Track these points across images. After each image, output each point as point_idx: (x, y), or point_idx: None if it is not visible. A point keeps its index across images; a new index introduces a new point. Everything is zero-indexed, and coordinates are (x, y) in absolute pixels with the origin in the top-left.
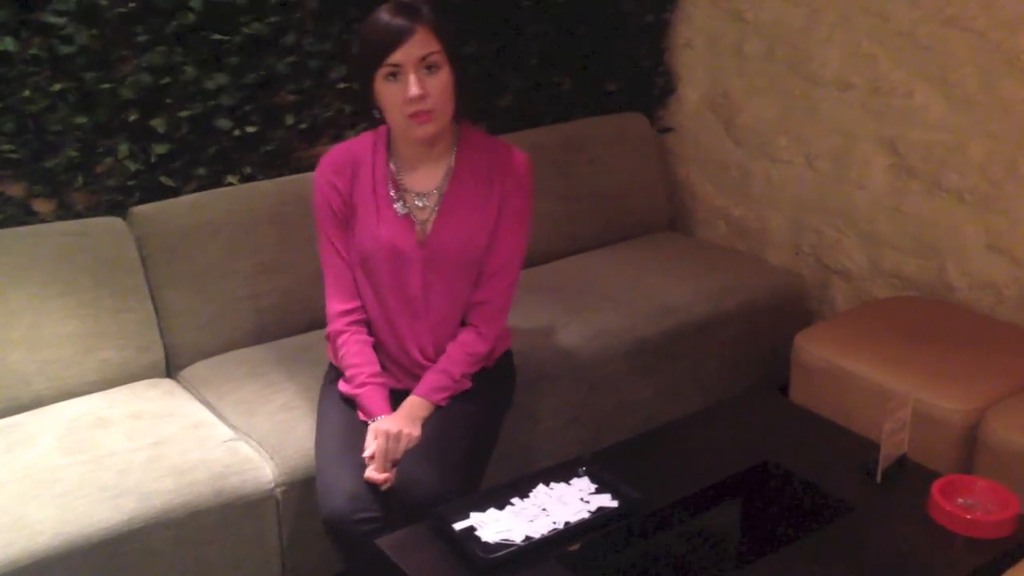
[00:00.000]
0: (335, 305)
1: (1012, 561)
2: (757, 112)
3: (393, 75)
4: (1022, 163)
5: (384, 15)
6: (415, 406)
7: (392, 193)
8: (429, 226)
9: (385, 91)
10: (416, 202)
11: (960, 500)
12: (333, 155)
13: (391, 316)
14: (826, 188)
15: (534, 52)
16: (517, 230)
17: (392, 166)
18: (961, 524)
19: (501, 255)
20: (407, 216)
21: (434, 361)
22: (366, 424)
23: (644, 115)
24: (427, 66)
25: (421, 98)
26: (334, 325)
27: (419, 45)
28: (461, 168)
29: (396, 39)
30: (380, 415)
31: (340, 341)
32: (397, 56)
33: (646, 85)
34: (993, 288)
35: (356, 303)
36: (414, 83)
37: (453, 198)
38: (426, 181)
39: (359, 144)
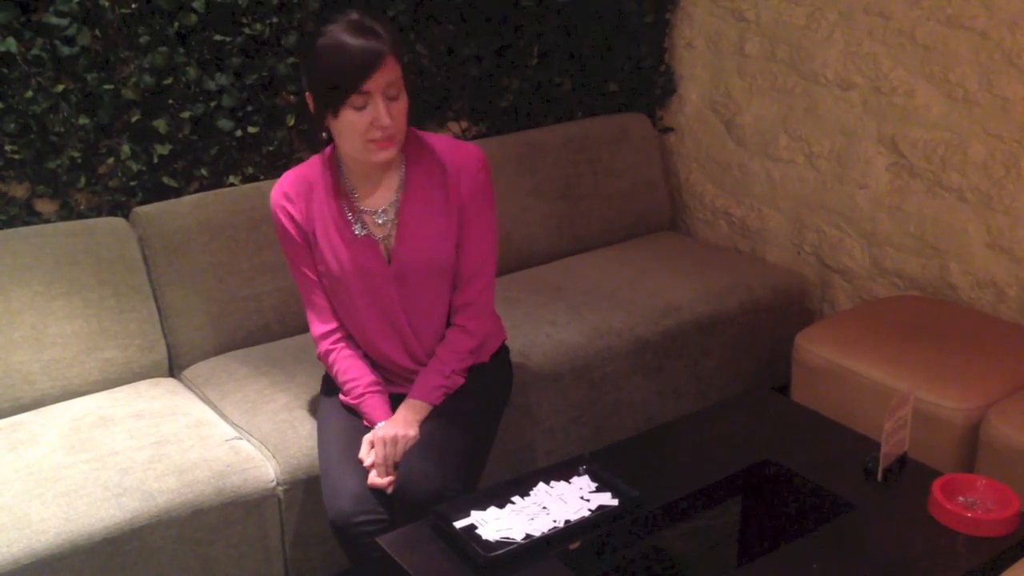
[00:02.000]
0: (317, 328)
1: (1013, 559)
2: (758, 111)
3: (361, 106)
4: (1023, 162)
5: (348, 38)
6: (411, 409)
7: (349, 216)
8: (392, 242)
9: (350, 118)
10: (375, 220)
11: (961, 499)
12: (283, 183)
13: (369, 335)
14: (827, 187)
15: (535, 52)
16: (484, 229)
17: (345, 188)
18: (962, 522)
19: (475, 257)
20: (367, 236)
21: (425, 364)
22: (368, 428)
23: (645, 115)
24: (391, 96)
25: (389, 125)
26: (320, 347)
27: (387, 73)
28: (412, 178)
29: (369, 68)
30: (381, 421)
31: (330, 360)
32: (370, 84)
33: (647, 85)
34: (994, 287)
35: (335, 323)
36: (384, 112)
37: (410, 210)
38: (380, 198)
39: (309, 168)
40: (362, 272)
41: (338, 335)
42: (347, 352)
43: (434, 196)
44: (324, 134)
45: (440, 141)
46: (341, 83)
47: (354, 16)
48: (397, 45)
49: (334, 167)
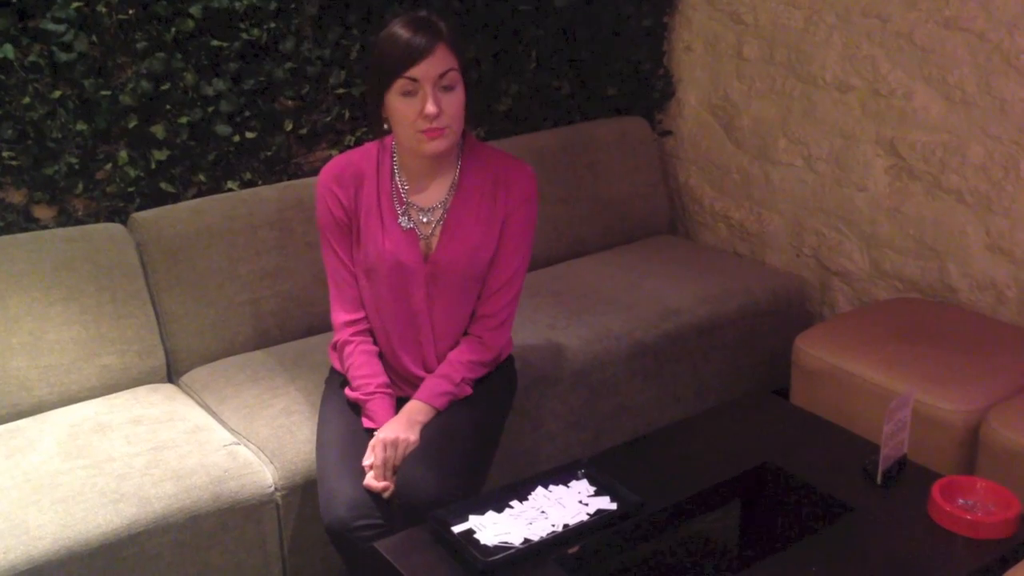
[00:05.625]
0: (340, 316)
1: (1012, 562)
2: (757, 114)
3: (410, 92)
4: (1022, 163)
5: (403, 30)
6: (414, 411)
7: (397, 207)
8: (434, 241)
9: (398, 106)
10: (420, 217)
11: (960, 501)
12: (335, 165)
13: (388, 332)
14: (826, 190)
15: (533, 56)
16: (521, 244)
17: (398, 180)
18: (961, 525)
19: (505, 270)
20: (411, 230)
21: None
22: (367, 431)
23: (644, 118)
24: (444, 85)
25: (437, 116)
26: (340, 335)
27: (439, 63)
28: (465, 182)
29: (417, 55)
30: (384, 424)
31: (347, 351)
32: (416, 71)
33: (646, 88)
34: (994, 289)
35: (361, 313)
36: (431, 100)
37: (457, 213)
38: (431, 196)
39: (362, 155)
40: (398, 265)
41: (361, 326)
42: (365, 347)
43: (483, 204)
44: (385, 125)
45: (498, 153)
46: (390, 68)
47: (417, 13)
48: (454, 37)
49: (389, 158)
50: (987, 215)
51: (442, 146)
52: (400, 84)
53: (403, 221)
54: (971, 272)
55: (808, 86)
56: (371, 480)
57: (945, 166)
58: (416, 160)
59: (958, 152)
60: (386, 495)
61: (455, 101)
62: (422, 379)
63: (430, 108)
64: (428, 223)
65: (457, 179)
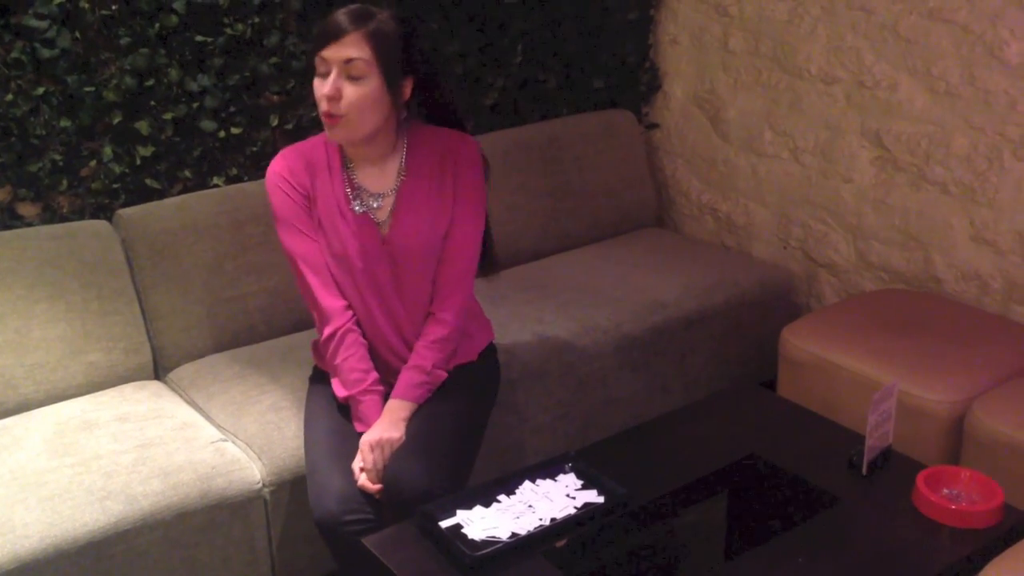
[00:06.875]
0: (332, 301)
1: (997, 551)
2: (743, 107)
3: (323, 73)
4: (1006, 154)
5: (335, 13)
6: (395, 408)
7: (350, 194)
8: (387, 227)
9: (315, 85)
10: (372, 202)
11: (945, 491)
12: (284, 158)
13: (371, 309)
14: (812, 182)
15: (519, 50)
16: (471, 214)
17: (348, 169)
18: (946, 514)
19: (455, 240)
20: (365, 214)
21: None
22: (355, 427)
23: (630, 111)
24: (350, 74)
25: (331, 99)
26: (338, 322)
27: (346, 48)
28: (413, 164)
29: (330, 36)
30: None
31: (349, 341)
32: (326, 52)
33: (632, 81)
34: (979, 279)
35: (346, 300)
36: (330, 82)
37: (408, 194)
38: (380, 181)
39: (309, 147)
40: (362, 251)
41: (352, 314)
42: (363, 340)
43: (432, 181)
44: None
45: (442, 132)
46: (311, 48)
47: (362, 4)
48: (379, 29)
49: (338, 147)
50: (971, 206)
51: (338, 135)
52: (317, 63)
53: (356, 206)
54: (956, 263)
55: (793, 78)
56: (365, 482)
57: (930, 157)
58: (359, 149)
59: (942, 143)
60: (378, 496)
61: (358, 93)
62: (404, 360)
63: (325, 88)
64: (380, 208)
65: (404, 162)
